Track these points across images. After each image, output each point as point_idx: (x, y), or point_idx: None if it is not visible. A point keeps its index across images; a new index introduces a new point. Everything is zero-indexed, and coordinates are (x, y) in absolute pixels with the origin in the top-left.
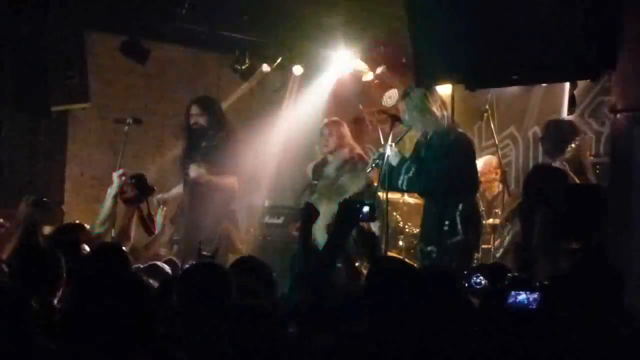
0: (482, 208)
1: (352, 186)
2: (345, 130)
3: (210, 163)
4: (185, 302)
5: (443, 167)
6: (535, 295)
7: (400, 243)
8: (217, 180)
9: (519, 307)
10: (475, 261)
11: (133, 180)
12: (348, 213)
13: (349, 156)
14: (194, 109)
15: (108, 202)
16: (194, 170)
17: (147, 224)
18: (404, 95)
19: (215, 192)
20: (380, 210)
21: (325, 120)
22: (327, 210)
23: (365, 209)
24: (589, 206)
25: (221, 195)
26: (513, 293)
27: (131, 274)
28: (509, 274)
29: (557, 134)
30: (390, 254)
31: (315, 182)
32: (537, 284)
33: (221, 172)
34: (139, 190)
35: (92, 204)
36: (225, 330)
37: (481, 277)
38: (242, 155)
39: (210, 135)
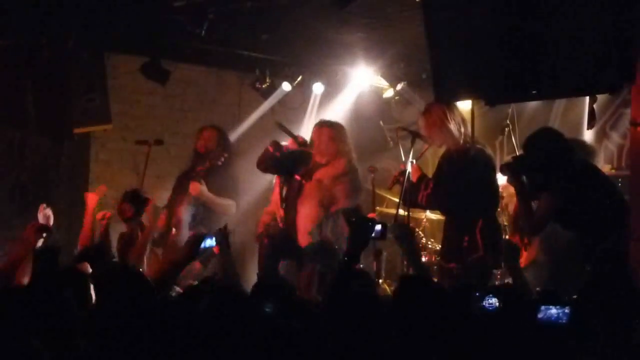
0: (505, 223)
1: (345, 201)
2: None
3: (211, 182)
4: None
5: (463, 183)
6: (566, 310)
7: (423, 259)
8: (215, 200)
9: (550, 321)
10: (498, 278)
11: (128, 199)
12: (361, 231)
13: (347, 168)
14: (206, 133)
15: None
16: (194, 187)
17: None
18: (425, 112)
19: (212, 211)
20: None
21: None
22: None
23: (378, 227)
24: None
25: (217, 214)
26: (543, 308)
27: None
28: (537, 289)
29: None
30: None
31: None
32: (566, 298)
33: (220, 193)
34: (135, 207)
35: (115, 224)
36: None
37: (494, 299)
38: (241, 182)
39: (213, 156)
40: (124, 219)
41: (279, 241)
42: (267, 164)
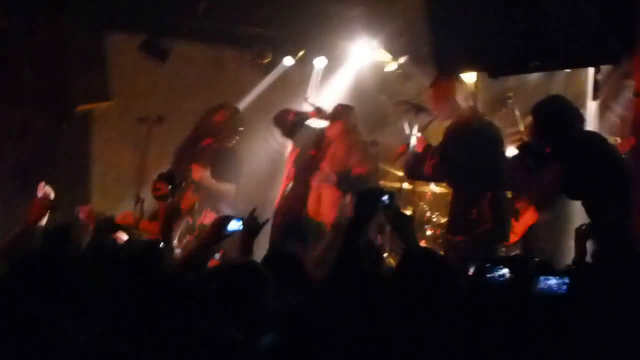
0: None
1: (360, 166)
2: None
3: (215, 164)
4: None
5: (470, 155)
6: (565, 280)
7: (428, 233)
8: (217, 186)
9: (549, 292)
10: (504, 251)
11: (164, 178)
12: (368, 201)
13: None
14: (223, 112)
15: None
16: (197, 171)
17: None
18: (432, 85)
19: (212, 197)
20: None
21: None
22: None
23: (385, 197)
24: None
25: (216, 199)
26: (542, 278)
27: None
28: (535, 259)
29: None
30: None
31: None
32: (566, 267)
33: (222, 178)
34: (171, 186)
35: (117, 203)
36: None
37: (505, 269)
38: (244, 164)
39: (224, 135)
40: (158, 197)
41: (290, 220)
42: (284, 123)
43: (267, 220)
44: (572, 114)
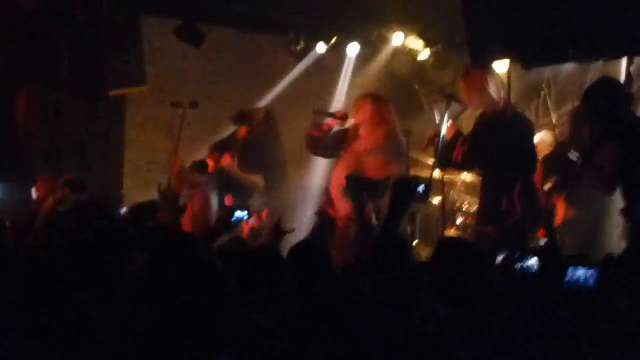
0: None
1: (377, 172)
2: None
3: (244, 157)
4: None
5: (500, 144)
6: (593, 272)
7: (458, 222)
8: (243, 176)
9: (577, 284)
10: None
11: (197, 167)
12: (404, 192)
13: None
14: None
15: None
16: (226, 159)
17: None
18: (464, 75)
19: (238, 188)
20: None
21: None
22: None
23: (421, 188)
24: None
25: (242, 191)
26: (571, 269)
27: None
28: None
29: None
30: (448, 233)
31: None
32: (595, 259)
33: (250, 170)
34: (204, 176)
35: (150, 187)
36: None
37: (533, 260)
38: (274, 155)
39: (254, 130)
40: (192, 186)
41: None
42: (314, 148)
43: (294, 229)
44: (625, 95)
